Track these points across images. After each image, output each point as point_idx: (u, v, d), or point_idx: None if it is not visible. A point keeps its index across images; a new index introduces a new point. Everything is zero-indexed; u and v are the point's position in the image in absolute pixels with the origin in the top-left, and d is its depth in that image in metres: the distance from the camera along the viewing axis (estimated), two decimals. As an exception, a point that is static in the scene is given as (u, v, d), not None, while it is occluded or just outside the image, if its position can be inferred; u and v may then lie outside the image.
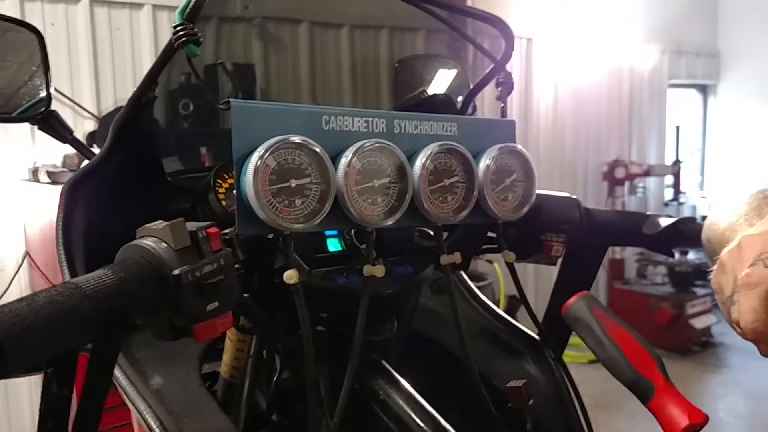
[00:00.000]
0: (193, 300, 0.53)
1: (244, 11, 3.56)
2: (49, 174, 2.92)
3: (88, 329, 0.48)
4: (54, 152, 3.06)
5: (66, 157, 3.07)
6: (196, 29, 0.64)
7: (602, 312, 0.71)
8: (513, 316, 1.03)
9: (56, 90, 3.22)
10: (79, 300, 0.48)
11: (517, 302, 3.89)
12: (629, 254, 5.46)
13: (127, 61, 3.49)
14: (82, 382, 0.53)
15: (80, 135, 3.29)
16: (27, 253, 3.22)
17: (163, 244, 0.54)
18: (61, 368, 0.51)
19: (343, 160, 0.68)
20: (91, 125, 3.37)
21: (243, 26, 3.61)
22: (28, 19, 3.36)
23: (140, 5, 3.48)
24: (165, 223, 0.54)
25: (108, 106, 3.43)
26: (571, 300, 0.73)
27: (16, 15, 3.11)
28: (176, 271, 0.53)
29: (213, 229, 0.57)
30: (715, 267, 0.60)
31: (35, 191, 2.99)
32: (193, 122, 2.84)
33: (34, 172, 3.07)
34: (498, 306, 1.09)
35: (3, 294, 3.24)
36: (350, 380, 0.70)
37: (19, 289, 3.26)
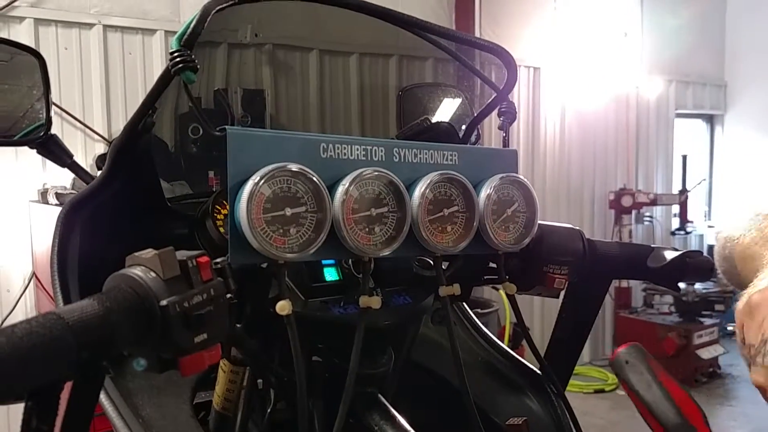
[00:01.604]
0: (180, 332, 0.52)
1: (254, 38, 3.60)
2: (58, 196, 2.93)
3: (69, 361, 0.47)
4: (64, 174, 3.09)
5: (75, 180, 3.08)
6: (193, 56, 0.63)
7: (656, 363, 0.75)
8: (519, 344, 1.01)
9: (68, 113, 3.28)
10: (60, 331, 0.46)
11: (522, 331, 3.83)
12: (636, 283, 5.41)
13: (139, 85, 3.53)
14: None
15: (90, 158, 3.33)
16: (34, 274, 3.23)
17: (152, 273, 0.52)
18: (42, 402, 0.49)
19: (340, 189, 0.67)
20: (101, 148, 3.40)
21: (253, 53, 3.65)
22: (42, 44, 3.42)
23: (153, 31, 3.53)
24: (154, 252, 0.53)
25: (119, 129, 3.45)
26: (624, 346, 0.76)
27: (31, 39, 3.16)
28: (163, 302, 0.51)
29: (203, 259, 0.55)
30: (741, 305, 0.57)
31: (43, 213, 3.01)
32: (202, 147, 2.85)
33: (44, 194, 3.09)
34: (504, 333, 1.07)
35: (9, 314, 3.24)
36: (344, 414, 0.68)
37: (25, 310, 3.26)
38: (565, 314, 0.96)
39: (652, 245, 0.92)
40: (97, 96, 3.42)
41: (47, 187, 3.11)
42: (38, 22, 3.23)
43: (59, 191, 2.99)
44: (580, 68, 5.17)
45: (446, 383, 0.96)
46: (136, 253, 0.54)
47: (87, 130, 3.39)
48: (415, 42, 0.94)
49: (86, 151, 3.38)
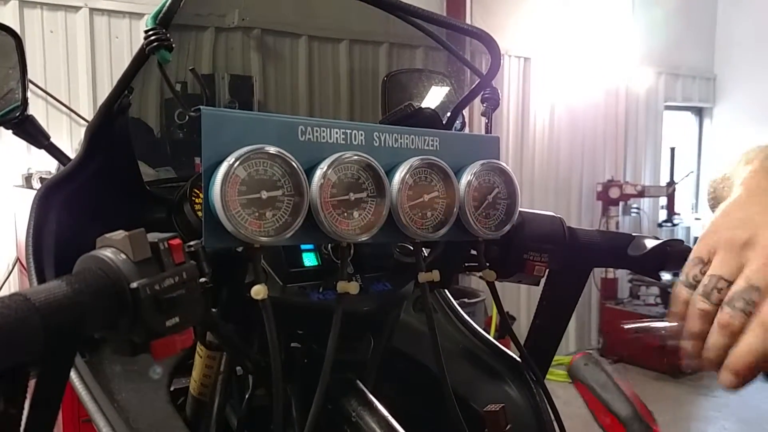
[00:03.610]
0: (151, 315, 0.51)
1: (241, 22, 3.56)
2: (42, 180, 2.90)
3: (35, 344, 0.46)
4: (49, 158, 3.04)
5: (60, 165, 3.04)
6: (168, 34, 0.62)
7: (611, 370, 0.82)
8: (506, 334, 1.00)
9: (53, 97, 3.24)
10: (26, 312, 0.45)
11: (510, 318, 3.86)
12: (622, 274, 5.45)
13: (125, 69, 3.48)
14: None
15: (76, 142, 3.29)
16: (18, 260, 3.20)
17: (122, 255, 0.52)
18: (10, 384, 0.48)
19: (318, 172, 0.66)
20: (86, 133, 3.36)
21: (241, 38, 3.62)
22: (27, 26, 3.36)
23: (140, 15, 3.49)
24: (124, 233, 0.52)
25: (104, 114, 3.41)
26: (579, 355, 0.83)
27: (16, 21, 3.11)
28: (134, 284, 0.50)
29: (175, 241, 0.54)
30: None
31: (28, 197, 2.97)
32: (188, 132, 2.82)
33: (27, 179, 3.06)
34: (491, 323, 1.07)
35: (-9, 300, 3.21)
36: (320, 400, 0.68)
37: (7, 296, 3.23)
38: (545, 302, 0.96)
39: (634, 234, 0.92)
40: (83, 80, 3.38)
41: (31, 172, 3.08)
42: (23, 4, 3.19)
43: (44, 175, 2.96)
44: (570, 59, 5.17)
45: (426, 370, 0.96)
46: (107, 235, 0.53)
47: (72, 115, 3.36)
48: (405, 30, 0.93)
49: (72, 136, 3.34)
